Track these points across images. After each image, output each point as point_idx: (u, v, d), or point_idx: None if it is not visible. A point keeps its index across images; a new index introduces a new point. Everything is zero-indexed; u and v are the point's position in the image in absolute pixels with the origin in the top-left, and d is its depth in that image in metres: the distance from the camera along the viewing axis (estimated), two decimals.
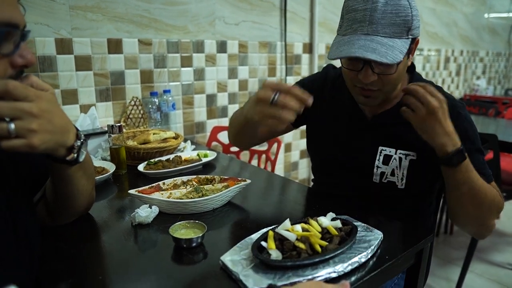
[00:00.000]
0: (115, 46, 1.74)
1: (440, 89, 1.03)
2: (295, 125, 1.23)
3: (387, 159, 1.04)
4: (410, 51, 0.96)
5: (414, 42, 0.96)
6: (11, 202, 0.68)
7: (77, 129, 0.75)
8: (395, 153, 1.03)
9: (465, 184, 0.92)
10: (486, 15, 4.53)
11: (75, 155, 0.73)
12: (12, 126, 0.57)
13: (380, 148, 1.05)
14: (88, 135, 1.52)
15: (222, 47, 2.13)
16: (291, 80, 2.54)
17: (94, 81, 1.71)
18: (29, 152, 0.61)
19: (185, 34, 1.96)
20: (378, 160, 1.05)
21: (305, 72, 2.62)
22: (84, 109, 1.70)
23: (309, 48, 2.60)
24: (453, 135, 0.90)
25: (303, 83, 1.23)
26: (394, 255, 0.80)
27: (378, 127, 1.07)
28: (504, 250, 2.54)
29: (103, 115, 1.76)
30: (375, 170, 1.05)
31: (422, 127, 0.91)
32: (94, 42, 1.68)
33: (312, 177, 1.30)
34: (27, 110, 0.59)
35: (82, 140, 0.75)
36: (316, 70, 2.61)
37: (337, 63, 1.13)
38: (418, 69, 3.56)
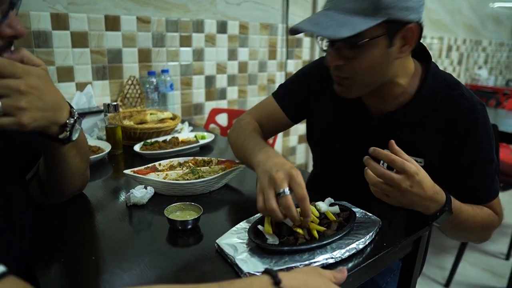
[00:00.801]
0: (112, 23, 1.70)
1: (457, 84, 0.94)
2: (295, 121, 1.16)
3: None
4: (396, 38, 0.82)
5: (404, 28, 0.81)
6: (4, 185, 0.66)
7: (71, 107, 0.73)
8: None
9: (453, 226, 0.87)
10: (491, 4, 4.47)
11: (68, 133, 0.72)
12: None
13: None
14: (84, 114, 1.49)
15: (222, 27, 2.09)
16: (292, 64, 2.51)
17: (90, 58, 1.68)
18: (19, 130, 0.59)
19: (185, 12, 1.92)
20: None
21: (306, 56, 2.58)
22: (80, 87, 1.67)
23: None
24: (435, 197, 0.79)
25: (302, 73, 1.15)
26: (392, 242, 0.79)
27: (384, 129, 0.95)
28: (497, 240, 2.56)
29: (99, 94, 1.73)
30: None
31: (399, 204, 0.81)
32: (91, 18, 1.64)
33: (311, 162, 1.25)
34: (14, 87, 0.57)
35: (75, 118, 0.73)
36: (317, 54, 2.58)
37: None
38: None
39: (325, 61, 0.91)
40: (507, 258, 2.34)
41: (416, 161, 0.84)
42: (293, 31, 0.83)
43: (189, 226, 0.81)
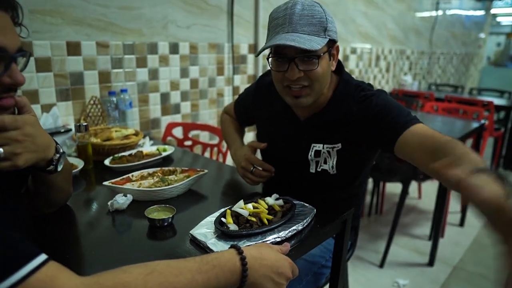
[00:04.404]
0: (74, 49, 1.83)
1: (361, 84, 1.19)
2: (244, 125, 1.58)
3: (317, 153, 1.21)
4: (331, 54, 1.11)
5: (334, 47, 1.11)
6: (7, 197, 0.81)
7: (56, 143, 0.89)
8: (323, 148, 1.20)
9: None
10: (411, 18, 5.02)
11: (54, 166, 0.87)
12: (1, 150, 0.71)
13: (312, 145, 1.22)
14: (52, 134, 1.61)
15: (174, 48, 2.27)
16: (238, 79, 2.75)
17: (54, 81, 1.79)
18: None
19: (140, 36, 2.09)
20: (311, 155, 1.22)
21: (250, 71, 2.83)
22: (45, 108, 1.78)
23: (254, 48, 2.80)
24: None
25: (239, 103, 1.53)
26: (323, 224, 1.03)
27: (310, 128, 1.22)
28: (423, 224, 2.96)
29: (63, 114, 1.84)
30: (310, 162, 1.23)
31: None
32: (54, 44, 1.76)
33: None
34: (13, 137, 0.72)
35: (60, 153, 0.88)
36: (260, 69, 2.84)
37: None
38: (352, 66, 3.93)
39: (277, 80, 1.13)
40: (429, 238, 2.72)
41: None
42: (277, 48, 1.05)
43: (166, 224, 1.00)
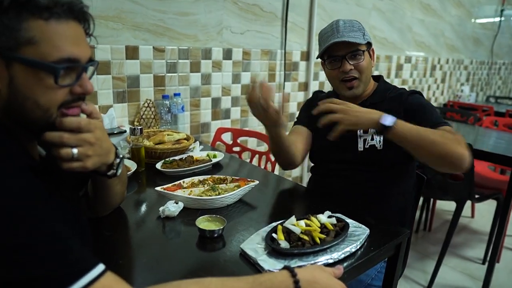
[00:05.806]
0: (132, 53, 1.90)
1: (394, 87, 1.47)
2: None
3: (365, 130, 1.38)
4: (370, 54, 1.40)
5: (371, 48, 1.40)
6: (73, 201, 0.85)
7: (116, 148, 0.91)
8: None
9: (412, 136, 1.16)
10: (471, 26, 4.77)
11: (115, 170, 0.89)
12: (75, 151, 0.73)
13: None
14: (108, 135, 1.67)
15: (227, 54, 2.30)
16: (289, 86, 2.73)
17: (112, 84, 1.87)
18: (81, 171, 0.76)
19: (195, 42, 2.13)
20: (359, 131, 1.40)
21: (302, 78, 2.80)
22: (103, 109, 1.86)
23: (306, 56, 2.78)
24: (371, 110, 1.20)
25: (307, 100, 1.69)
26: (377, 246, 0.99)
27: None
28: (475, 246, 2.79)
29: (119, 115, 1.91)
30: (358, 139, 1.39)
31: (351, 123, 1.17)
32: (114, 48, 1.84)
33: (306, 177, 1.55)
34: (87, 140, 0.75)
35: (120, 158, 0.90)
36: (312, 77, 2.81)
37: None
38: (406, 76, 3.79)
39: (333, 77, 1.41)
40: (483, 262, 2.56)
41: None
42: (330, 51, 1.36)
43: (216, 235, 1.00)
